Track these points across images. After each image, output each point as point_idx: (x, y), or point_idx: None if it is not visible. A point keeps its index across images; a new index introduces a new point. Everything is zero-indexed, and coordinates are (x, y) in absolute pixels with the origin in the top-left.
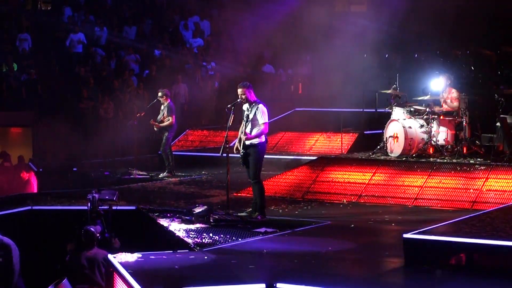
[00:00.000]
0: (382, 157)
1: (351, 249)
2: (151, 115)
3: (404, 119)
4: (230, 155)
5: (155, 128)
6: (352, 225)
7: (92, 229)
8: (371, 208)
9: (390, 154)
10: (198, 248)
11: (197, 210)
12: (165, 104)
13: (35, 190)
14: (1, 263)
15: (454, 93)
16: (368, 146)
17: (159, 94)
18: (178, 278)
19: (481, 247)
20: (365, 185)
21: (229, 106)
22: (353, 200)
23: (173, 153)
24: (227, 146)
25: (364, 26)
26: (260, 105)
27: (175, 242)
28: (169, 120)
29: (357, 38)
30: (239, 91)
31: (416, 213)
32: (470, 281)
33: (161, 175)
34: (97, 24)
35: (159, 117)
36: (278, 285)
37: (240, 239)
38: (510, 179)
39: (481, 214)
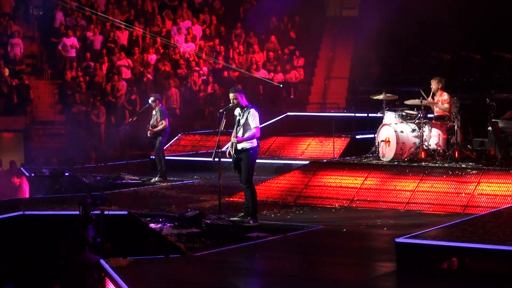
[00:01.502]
0: (374, 162)
1: (343, 253)
2: (143, 120)
3: (396, 124)
4: (222, 159)
5: (148, 134)
6: (344, 230)
7: (84, 234)
8: (363, 212)
9: (382, 159)
10: (190, 253)
11: (189, 214)
12: (157, 108)
13: (27, 195)
14: None
15: (445, 95)
16: (360, 151)
17: (151, 99)
18: (170, 283)
19: (473, 251)
20: (357, 190)
21: (221, 110)
22: (345, 205)
23: (166, 157)
24: (219, 150)
25: (355, 31)
26: (252, 110)
27: (167, 247)
28: (162, 124)
29: (348, 43)
30: (231, 95)
31: (408, 217)
32: (462, 285)
33: (153, 180)
34: (89, 29)
35: (152, 121)
36: None
37: (232, 244)
38: (502, 183)
39: (473, 218)
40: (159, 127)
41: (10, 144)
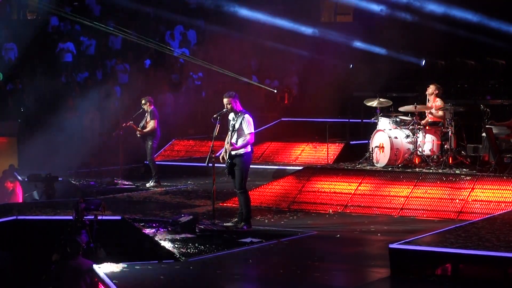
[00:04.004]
0: (368, 167)
1: (336, 259)
2: (137, 125)
3: (390, 129)
4: (216, 165)
5: (138, 134)
6: (338, 235)
7: (77, 239)
8: (357, 218)
9: (376, 164)
10: (183, 258)
11: (183, 220)
12: (149, 110)
13: (20, 200)
14: None
15: (438, 101)
16: (354, 156)
17: (143, 101)
18: None
19: (467, 257)
20: (351, 195)
21: (215, 116)
22: (339, 210)
23: (159, 163)
24: (213, 156)
25: (350, 36)
26: (246, 115)
27: (160, 252)
28: (151, 125)
29: (343, 48)
30: (225, 100)
31: (402, 223)
32: None
33: (147, 185)
34: (83, 33)
35: (142, 123)
36: None
37: (225, 249)
38: (496, 189)
39: (466, 224)
40: (148, 128)
41: (3, 149)
